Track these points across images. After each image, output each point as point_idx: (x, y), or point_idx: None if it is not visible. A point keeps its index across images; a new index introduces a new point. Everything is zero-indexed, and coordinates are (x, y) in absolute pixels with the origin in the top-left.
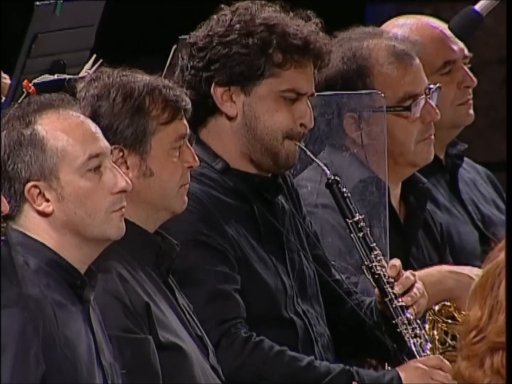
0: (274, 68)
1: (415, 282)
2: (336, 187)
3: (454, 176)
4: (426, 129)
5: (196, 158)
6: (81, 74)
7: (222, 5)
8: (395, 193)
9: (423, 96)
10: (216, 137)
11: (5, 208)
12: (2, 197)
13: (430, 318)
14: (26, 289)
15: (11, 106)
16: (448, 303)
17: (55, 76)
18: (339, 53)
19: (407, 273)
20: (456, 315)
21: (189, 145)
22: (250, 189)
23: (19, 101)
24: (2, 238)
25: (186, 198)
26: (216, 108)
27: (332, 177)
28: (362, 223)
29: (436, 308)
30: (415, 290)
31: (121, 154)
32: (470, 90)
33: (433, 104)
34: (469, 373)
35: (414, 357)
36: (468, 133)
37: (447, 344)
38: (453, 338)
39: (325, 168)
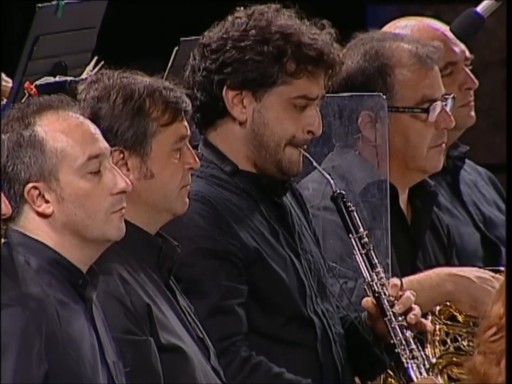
0: (286, 77)
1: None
2: (341, 201)
3: (456, 177)
4: (439, 135)
5: (197, 159)
6: (82, 76)
7: (238, 8)
8: (403, 197)
9: (440, 102)
10: (224, 139)
11: (8, 210)
12: (5, 199)
13: (431, 319)
14: (28, 288)
15: (11, 108)
16: (449, 303)
17: (57, 78)
18: (361, 51)
19: (408, 293)
20: (457, 315)
21: (189, 147)
22: (259, 190)
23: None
24: (3, 240)
25: (187, 200)
26: (226, 111)
27: (338, 191)
28: (365, 239)
29: (437, 308)
30: (414, 311)
31: (121, 156)
32: (472, 92)
33: (448, 111)
34: (484, 370)
35: (411, 379)
36: (470, 135)
37: (447, 346)
38: (455, 339)
39: (330, 180)
